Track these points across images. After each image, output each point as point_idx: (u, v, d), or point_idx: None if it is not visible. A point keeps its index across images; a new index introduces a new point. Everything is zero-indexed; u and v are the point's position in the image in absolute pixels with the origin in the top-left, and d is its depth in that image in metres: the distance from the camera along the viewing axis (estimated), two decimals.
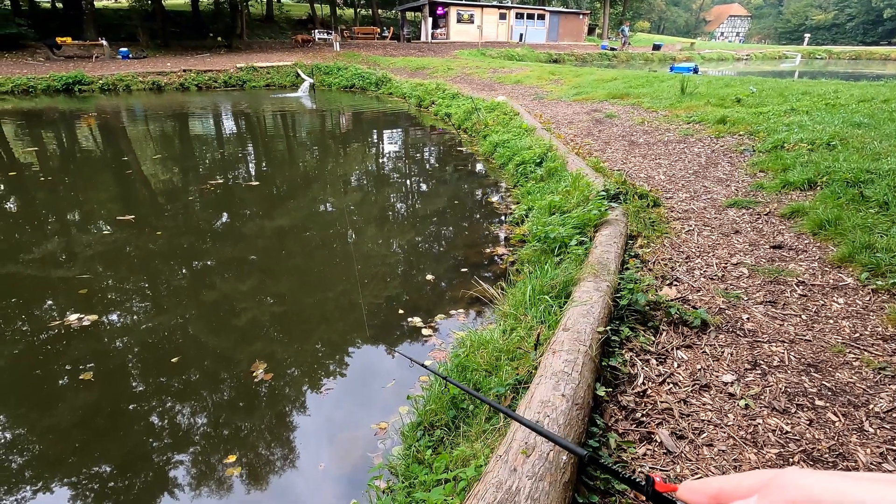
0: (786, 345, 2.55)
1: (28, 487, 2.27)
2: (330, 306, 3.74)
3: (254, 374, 2.91)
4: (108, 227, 5.24)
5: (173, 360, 3.10)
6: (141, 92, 18.24)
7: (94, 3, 25.52)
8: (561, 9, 37.43)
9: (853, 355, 2.43)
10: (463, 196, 6.66)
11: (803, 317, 2.77)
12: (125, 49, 22.42)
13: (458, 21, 31.85)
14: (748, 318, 2.79)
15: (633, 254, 3.52)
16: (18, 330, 3.43)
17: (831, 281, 3.11)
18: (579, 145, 7.07)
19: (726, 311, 2.87)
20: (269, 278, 4.20)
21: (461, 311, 3.55)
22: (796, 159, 5.08)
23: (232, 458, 2.36)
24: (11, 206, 6.11)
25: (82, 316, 3.53)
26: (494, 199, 6.07)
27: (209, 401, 2.78)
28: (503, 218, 5.41)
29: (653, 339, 2.66)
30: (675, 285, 3.20)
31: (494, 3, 35.45)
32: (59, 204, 6.16)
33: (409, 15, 36.90)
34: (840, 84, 9.43)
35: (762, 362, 2.43)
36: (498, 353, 2.57)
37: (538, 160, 6.41)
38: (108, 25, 26.81)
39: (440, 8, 31.38)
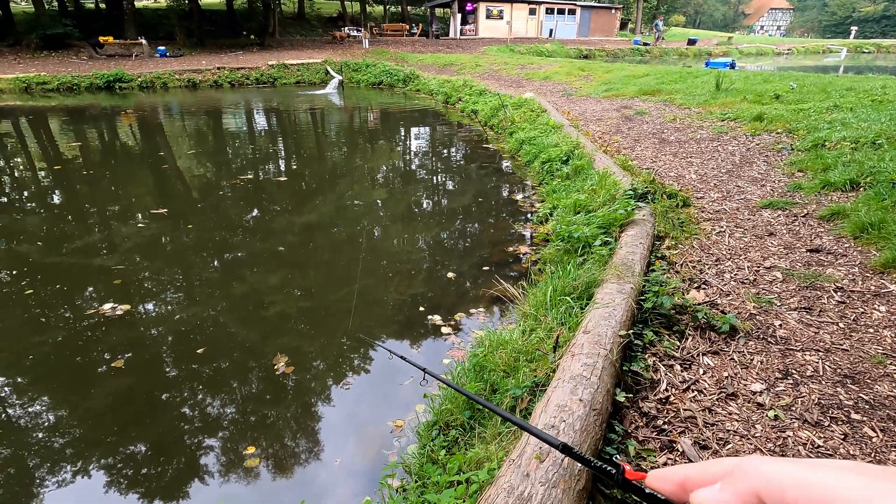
0: (821, 354, 2.43)
1: (58, 465, 2.37)
2: (350, 303, 3.77)
3: (275, 367, 2.96)
4: (143, 220, 5.41)
5: (199, 350, 3.18)
6: (177, 89, 18.79)
7: (135, 3, 26.38)
8: (592, 3, 36.69)
9: (894, 367, 2.30)
10: (487, 194, 6.62)
11: (840, 325, 2.64)
12: (163, 47, 23.13)
13: (488, 17, 31.63)
14: (781, 325, 2.68)
15: (659, 255, 3.42)
16: (60, 317, 3.58)
17: (872, 287, 2.95)
18: (607, 143, 6.92)
19: (757, 317, 2.76)
20: (294, 272, 4.27)
21: (482, 309, 3.52)
22: (838, 158, 4.84)
23: (251, 450, 2.41)
24: (57, 198, 6.39)
25: (116, 305, 3.66)
26: (519, 196, 6.01)
27: (230, 392, 2.84)
28: (527, 216, 5.35)
29: (678, 343, 2.58)
30: (704, 289, 3.09)
31: None
32: (98, 196, 6.41)
33: (438, 11, 36.89)
34: (889, 79, 8.94)
35: (794, 372, 2.33)
36: (517, 354, 2.54)
37: (564, 158, 6.31)
38: (147, 25, 27.72)
39: (469, 4, 31.23)
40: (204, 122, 12.05)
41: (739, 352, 2.50)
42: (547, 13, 33.39)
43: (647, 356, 2.45)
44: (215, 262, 4.55)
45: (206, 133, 10.97)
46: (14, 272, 4.22)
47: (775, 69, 23.68)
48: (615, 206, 3.89)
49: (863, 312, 2.72)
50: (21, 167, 7.98)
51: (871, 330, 2.58)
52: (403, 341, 3.25)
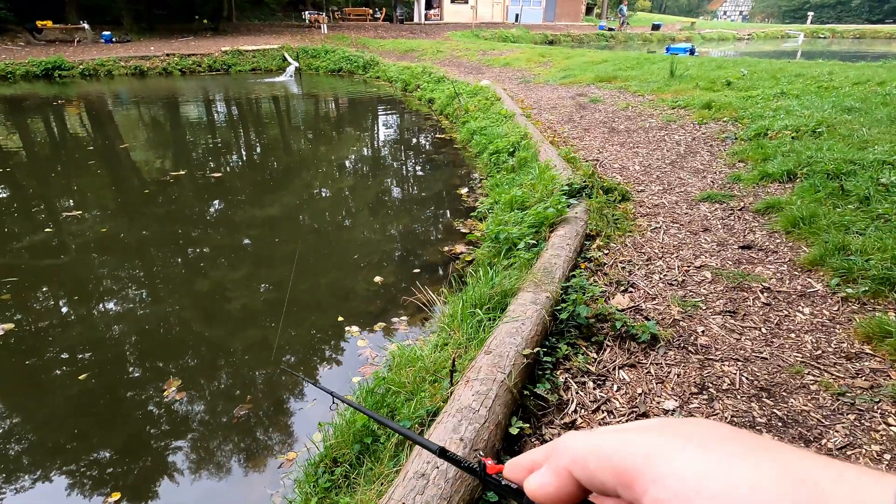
0: (739, 364, 2.30)
1: None
2: (253, 315, 3.50)
3: (165, 393, 2.68)
4: (51, 224, 4.98)
5: (81, 376, 2.86)
6: (123, 77, 17.81)
7: None
8: None
9: (812, 377, 2.18)
10: (432, 187, 6.38)
11: (763, 330, 2.52)
12: (108, 33, 21.88)
13: (453, 1, 31.09)
14: (703, 332, 2.54)
15: (588, 257, 3.25)
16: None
17: (799, 287, 2.85)
18: (557, 132, 6.76)
19: (681, 323, 2.62)
20: (212, 278, 3.95)
21: (405, 318, 3.30)
22: (778, 148, 4.78)
23: (115, 497, 2.14)
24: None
25: None
26: (464, 190, 5.78)
27: (100, 422, 2.55)
28: (471, 212, 5.14)
29: (595, 356, 2.41)
30: (630, 292, 2.94)
31: None
32: (18, 194, 5.89)
33: None
34: (836, 65, 9.04)
35: (711, 385, 2.19)
36: (423, 374, 2.33)
37: (511, 149, 6.11)
38: (92, 8, 26.09)
39: None
40: (146, 112, 11.37)
41: (657, 364, 2.35)
42: None
43: (558, 373, 2.27)
44: (123, 271, 4.20)
45: (145, 125, 10.34)
46: None
47: (736, 54, 24.02)
48: (548, 203, 3.71)
49: (786, 315, 2.61)
50: None
51: (793, 335, 2.47)
52: (314, 357, 3.01)
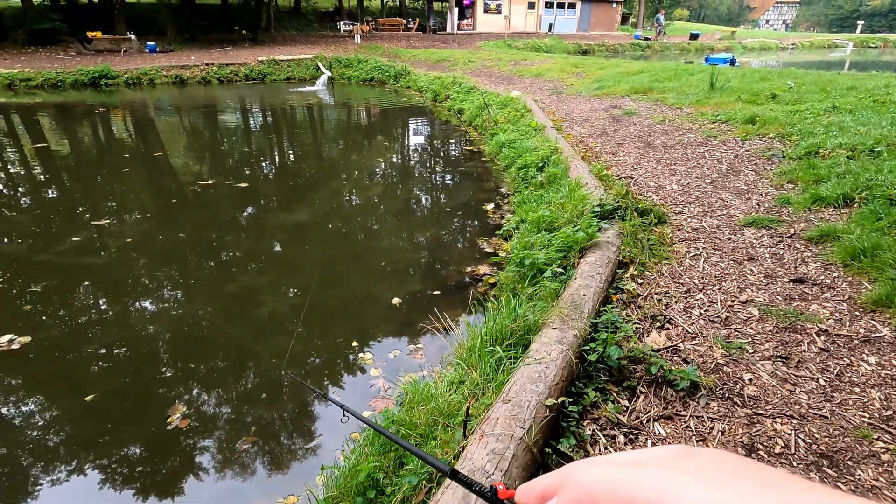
0: (794, 422, 2.02)
1: None
2: (267, 333, 3.38)
3: (169, 421, 2.57)
4: (82, 232, 5.03)
5: (87, 397, 2.79)
6: (164, 86, 18.39)
7: None
8: None
9: (882, 443, 1.89)
10: (457, 202, 6.22)
11: (821, 381, 2.23)
12: (152, 43, 22.70)
13: (486, 11, 31.07)
14: (751, 380, 2.27)
15: (620, 287, 3.00)
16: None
17: (862, 331, 2.53)
18: (589, 147, 6.49)
19: (724, 368, 2.35)
20: (226, 294, 3.88)
21: (420, 346, 3.13)
22: (832, 169, 4.40)
23: None
24: (27, 200, 6.02)
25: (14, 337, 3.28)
26: (490, 206, 5.59)
27: (98, 450, 2.45)
28: (496, 230, 4.94)
29: (627, 405, 2.17)
30: (667, 329, 2.68)
31: None
32: (60, 202, 6.03)
33: (437, 5, 36.26)
34: (893, 77, 8.46)
35: (761, 447, 1.92)
36: (436, 416, 2.14)
37: (541, 164, 5.88)
38: (139, 19, 27.24)
39: None
40: (184, 120, 11.65)
41: (698, 416, 2.09)
42: (546, 7, 32.78)
43: (585, 424, 2.05)
44: (146, 282, 4.17)
45: (183, 132, 10.57)
46: None
47: (780, 65, 23.09)
48: (578, 225, 3.48)
49: (848, 364, 2.31)
50: None
51: (857, 389, 2.17)
52: (323, 385, 2.86)
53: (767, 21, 76.47)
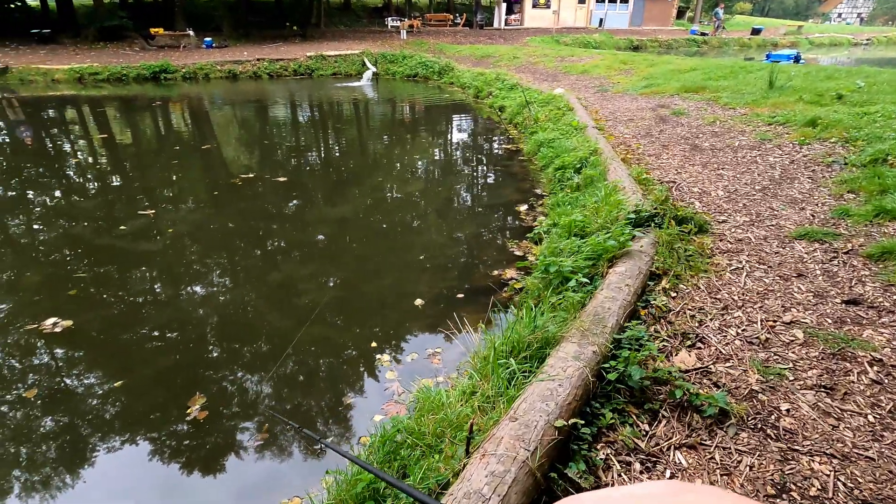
0: (835, 462, 1.83)
1: None
2: (289, 332, 3.41)
3: (188, 411, 2.64)
4: (129, 220, 5.28)
5: (117, 383, 2.90)
6: (218, 80, 19.10)
7: None
8: None
9: None
10: (490, 202, 6.12)
11: (870, 417, 2.01)
12: (209, 39, 23.66)
13: (534, 6, 30.53)
14: (788, 411, 2.08)
15: (650, 301, 2.83)
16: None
17: None
18: (631, 148, 6.22)
19: (759, 396, 2.16)
20: (247, 289, 3.96)
21: (438, 350, 3.07)
22: None
23: None
24: (85, 187, 6.42)
25: (58, 320, 3.47)
26: (523, 207, 5.46)
27: (117, 446, 2.54)
28: (527, 232, 4.81)
29: (647, 429, 2.04)
30: (698, 348, 2.51)
31: None
32: (94, 195, 6.37)
33: (485, 1, 35.97)
34: None
35: (794, 487, 1.75)
36: (445, 427, 2.09)
37: (578, 165, 5.69)
38: (198, 16, 28.45)
39: None
40: (228, 115, 12.07)
41: (725, 448, 1.93)
42: (597, 2, 31.84)
43: (599, 447, 1.93)
44: (194, 272, 4.32)
45: (229, 127, 10.94)
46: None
47: (852, 62, 21.48)
48: (610, 232, 3.32)
49: None
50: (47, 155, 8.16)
51: None
52: (339, 386, 2.85)
53: (840, 15, 71.25)
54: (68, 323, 3.44)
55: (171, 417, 2.61)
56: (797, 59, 15.28)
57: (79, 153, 8.47)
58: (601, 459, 1.88)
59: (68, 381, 2.95)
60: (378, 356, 3.05)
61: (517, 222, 5.13)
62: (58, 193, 6.40)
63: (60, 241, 4.84)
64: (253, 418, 2.64)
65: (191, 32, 23.60)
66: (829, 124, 5.82)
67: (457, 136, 10.06)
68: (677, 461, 1.90)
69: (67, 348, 3.22)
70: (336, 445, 1.81)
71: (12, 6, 24.66)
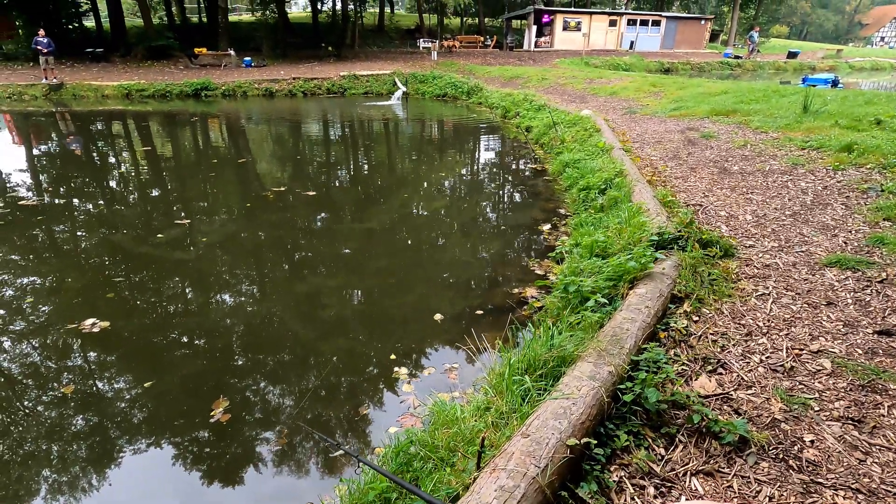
0: (861, 497, 1.77)
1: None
2: (315, 345, 3.49)
3: (212, 413, 2.72)
4: (164, 229, 5.52)
5: (146, 384, 3.02)
6: (255, 98, 19.86)
7: (229, 17, 28.45)
8: (679, 14, 34.57)
9: None
10: (514, 220, 6.15)
11: None
12: (248, 58, 24.67)
13: (564, 29, 30.79)
14: (813, 442, 2.02)
15: (669, 324, 2.80)
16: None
17: None
18: (658, 171, 6.18)
19: (782, 425, 2.11)
20: (267, 308, 4.07)
21: (455, 366, 3.09)
22: None
23: None
24: (125, 197, 6.77)
25: (97, 321, 3.64)
26: (547, 227, 5.47)
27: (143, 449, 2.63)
28: (549, 251, 4.81)
29: (662, 453, 2.01)
30: (720, 374, 2.46)
31: (606, 9, 33.84)
32: (134, 203, 6.69)
33: (515, 23, 36.51)
34: None
35: None
36: (458, 441, 2.10)
37: (603, 186, 5.69)
38: (240, 37, 29.81)
39: (546, 16, 30.60)
40: (263, 131, 12.51)
41: (744, 477, 1.89)
42: (628, 24, 31.90)
43: (612, 469, 1.91)
44: (235, 276, 4.48)
45: (264, 143, 11.34)
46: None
47: (895, 87, 20.81)
48: (632, 254, 3.30)
49: None
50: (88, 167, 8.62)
51: None
52: (356, 397, 2.90)
53: (882, 39, 69.31)
54: (105, 324, 3.61)
55: (195, 420, 2.70)
56: (835, 83, 14.92)
57: (122, 164, 8.92)
58: (614, 481, 1.86)
59: (100, 379, 3.09)
60: (396, 369, 3.09)
61: (540, 241, 5.13)
62: (101, 202, 6.74)
63: (101, 248, 5.10)
64: (273, 426, 2.71)
65: (232, 52, 24.66)
66: (866, 150, 5.67)
67: (483, 155, 10.17)
68: (693, 487, 1.86)
69: (102, 348, 3.38)
70: (373, 462, 1.85)
71: (70, 27, 26.37)
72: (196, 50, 24.53)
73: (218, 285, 4.40)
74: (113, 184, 7.70)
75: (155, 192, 7.30)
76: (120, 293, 4.11)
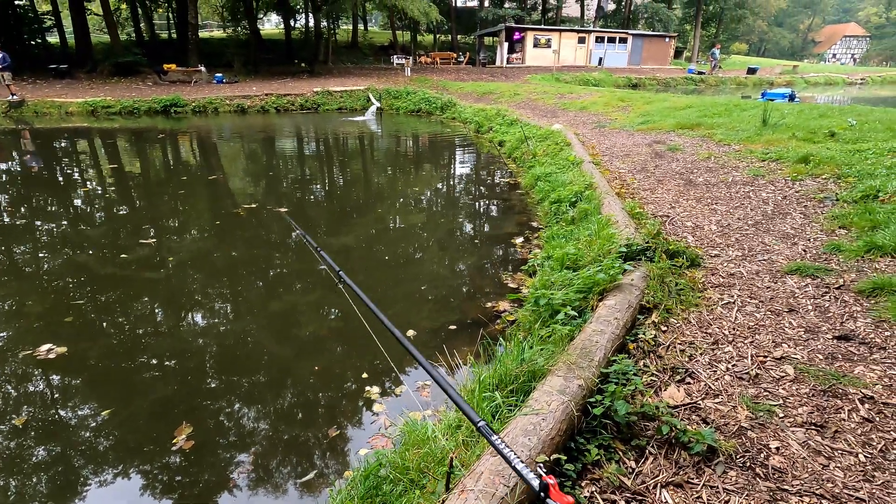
0: (825, 502, 1.79)
1: None
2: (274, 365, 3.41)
3: (174, 440, 2.61)
4: (127, 250, 5.35)
5: (105, 413, 2.89)
6: (227, 114, 19.60)
7: (199, 34, 28.16)
8: (645, 32, 35.83)
9: None
10: (488, 233, 6.18)
11: (861, 457, 1.98)
12: (220, 74, 24.40)
13: (535, 45, 31.53)
14: (778, 449, 2.05)
15: (639, 335, 2.83)
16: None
17: None
18: (626, 183, 6.32)
19: (749, 433, 2.14)
20: (236, 328, 3.97)
21: (428, 383, 3.06)
22: (891, 214, 4.05)
23: None
24: (89, 217, 6.52)
25: (53, 347, 3.48)
26: (519, 240, 5.51)
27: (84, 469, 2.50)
28: (522, 264, 4.83)
29: (633, 466, 2.01)
30: (688, 383, 2.49)
31: (575, 27, 34.82)
32: (99, 223, 6.47)
33: (487, 40, 37.20)
34: None
35: None
36: (429, 462, 2.06)
37: (574, 199, 5.78)
38: (211, 53, 29.47)
39: (517, 33, 31.28)
40: (235, 147, 12.33)
41: (712, 486, 1.90)
42: (597, 42, 32.88)
43: (583, 484, 1.90)
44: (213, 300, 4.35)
45: (235, 158, 11.17)
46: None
47: (847, 101, 21.91)
48: (601, 266, 3.34)
49: (894, 440, 2.05)
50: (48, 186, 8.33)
51: None
52: (325, 420, 2.83)
53: (834, 55, 73.14)
54: (62, 349, 3.45)
55: (155, 449, 2.58)
56: (792, 97, 15.60)
57: (87, 182, 8.65)
58: (585, 497, 1.84)
59: (54, 408, 2.93)
60: (368, 388, 3.03)
61: (513, 254, 5.16)
62: (64, 221, 6.51)
63: (62, 269, 4.90)
64: (238, 451, 2.61)
65: (202, 68, 24.36)
66: (822, 161, 5.91)
67: (458, 170, 10.24)
68: (664, 500, 1.86)
69: (59, 375, 3.22)
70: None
71: (33, 43, 25.68)
72: (165, 66, 24.15)
73: (185, 306, 4.27)
74: (77, 202, 7.45)
75: (121, 211, 7.09)
76: (80, 317, 3.94)
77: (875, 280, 3.22)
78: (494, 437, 1.41)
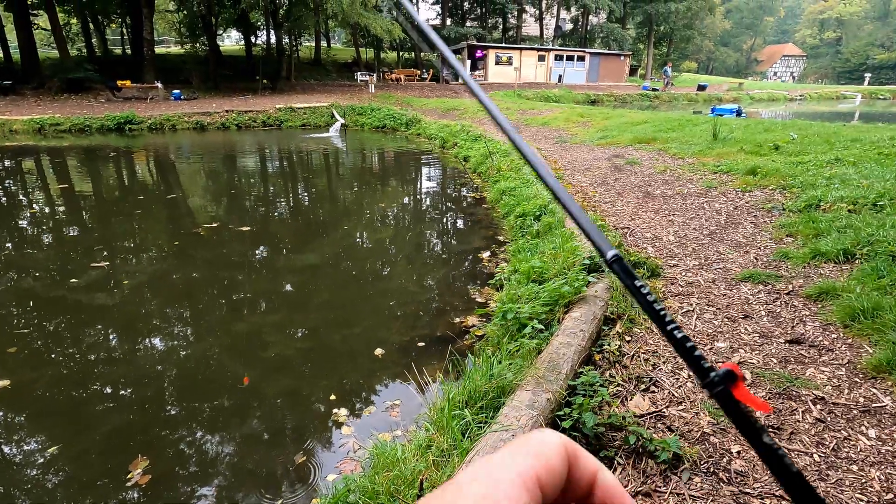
0: (785, 503, 1.86)
1: None
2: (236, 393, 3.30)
3: (129, 476, 2.47)
4: (78, 275, 5.09)
5: (53, 449, 2.71)
6: (185, 131, 19.12)
7: (154, 49, 27.43)
8: (601, 50, 37.27)
9: None
10: (454, 248, 6.20)
11: (815, 457, 2.06)
12: (177, 91, 23.79)
13: (497, 63, 32.24)
14: (739, 452, 2.11)
15: (604, 346, 2.88)
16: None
17: (861, 400, 2.37)
18: (588, 196, 6.49)
19: (711, 438, 2.20)
20: (194, 350, 3.83)
21: (397, 403, 3.01)
22: (832, 222, 4.31)
23: None
24: (37, 240, 6.15)
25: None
26: (486, 254, 5.55)
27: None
28: (489, 278, 4.87)
29: None
30: (652, 392, 2.55)
31: (535, 45, 35.86)
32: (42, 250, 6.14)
33: None
34: None
35: None
36: (399, 484, 2.02)
37: (538, 213, 5.88)
38: (169, 70, 28.75)
39: (479, 51, 31.94)
40: (194, 165, 12.01)
41: (679, 494, 1.93)
42: (556, 59, 33.92)
43: None
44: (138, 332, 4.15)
45: (195, 176, 10.87)
46: None
47: (788, 116, 23.32)
48: (566, 278, 3.40)
49: (845, 438, 2.15)
50: None
51: (855, 467, 2.00)
52: (291, 444, 2.74)
53: (775, 73, 78.00)
54: (5, 383, 3.22)
55: (109, 486, 2.43)
56: (739, 112, 16.48)
57: (34, 204, 8.21)
58: None
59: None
60: (336, 410, 2.95)
61: (480, 269, 5.19)
62: (8, 244, 6.13)
63: (4, 296, 4.60)
64: (200, 483, 2.49)
65: (159, 85, 23.72)
66: (768, 173, 6.25)
67: (423, 185, 10.29)
68: None
69: (1, 410, 3.01)
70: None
71: None
72: (119, 82, 23.37)
73: (141, 331, 4.08)
74: (23, 224, 7.05)
75: (72, 233, 6.75)
76: (25, 347, 3.70)
77: (820, 285, 3.40)
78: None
